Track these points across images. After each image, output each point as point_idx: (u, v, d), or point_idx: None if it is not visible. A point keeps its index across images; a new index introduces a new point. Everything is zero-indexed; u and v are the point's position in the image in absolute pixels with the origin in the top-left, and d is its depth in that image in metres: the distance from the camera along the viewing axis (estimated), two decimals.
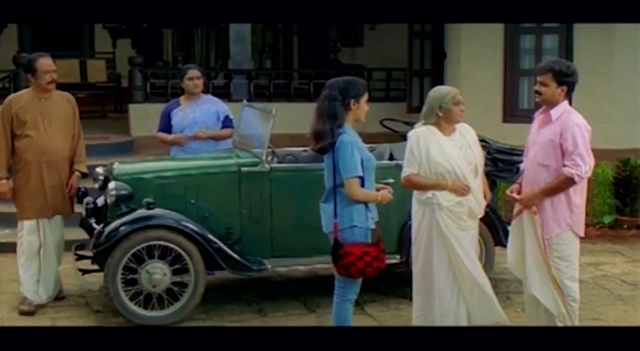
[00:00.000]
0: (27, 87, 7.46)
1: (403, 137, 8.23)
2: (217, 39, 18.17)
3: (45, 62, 7.17)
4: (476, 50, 11.10)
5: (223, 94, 12.39)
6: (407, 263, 7.39)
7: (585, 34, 10.56)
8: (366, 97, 5.81)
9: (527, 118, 10.50)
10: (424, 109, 6.17)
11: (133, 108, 12.11)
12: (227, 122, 8.29)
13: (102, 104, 15.54)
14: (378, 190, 5.86)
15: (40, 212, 7.24)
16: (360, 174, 5.65)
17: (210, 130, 8.21)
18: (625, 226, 10.16)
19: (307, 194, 7.14)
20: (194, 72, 8.31)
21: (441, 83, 12.21)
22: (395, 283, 7.94)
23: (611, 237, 10.11)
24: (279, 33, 18.83)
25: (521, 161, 7.61)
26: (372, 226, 5.79)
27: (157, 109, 11.83)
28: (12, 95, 7.41)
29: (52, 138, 7.19)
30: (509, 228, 6.38)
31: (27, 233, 7.23)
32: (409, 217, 7.05)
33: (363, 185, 5.71)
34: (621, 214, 10.29)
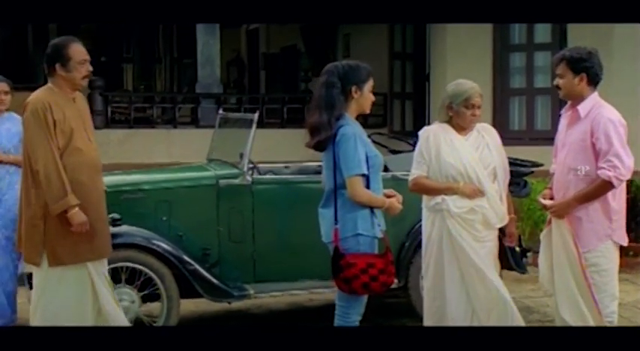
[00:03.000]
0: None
1: (392, 152, 7.65)
2: (180, 70, 17.60)
3: (80, 49, 5.45)
4: (462, 70, 10.44)
5: (192, 120, 11.77)
6: (406, 289, 6.89)
7: None
8: (370, 84, 5.14)
9: (518, 140, 10.19)
10: (439, 104, 5.63)
11: None
12: None
13: None
14: (387, 197, 5.16)
15: (105, 249, 5.60)
16: (365, 172, 4.96)
17: (11, 155, 6.87)
18: (631, 252, 9.47)
19: (294, 210, 6.67)
20: (1, 85, 6.98)
21: (424, 107, 11.72)
22: (393, 313, 7.33)
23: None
24: (245, 68, 18.32)
25: (528, 173, 7.24)
26: (379, 235, 5.07)
27: (119, 135, 11.49)
28: (40, 95, 5.45)
29: (96, 151, 5.58)
30: (542, 234, 5.64)
31: (82, 286, 5.44)
32: (407, 236, 6.73)
33: (368, 186, 5.01)
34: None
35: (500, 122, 10.68)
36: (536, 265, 6.74)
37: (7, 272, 6.75)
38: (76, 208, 5.27)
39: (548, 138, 10.06)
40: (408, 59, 12.10)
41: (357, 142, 4.95)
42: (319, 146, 5.06)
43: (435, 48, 11.25)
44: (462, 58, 10.62)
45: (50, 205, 5.28)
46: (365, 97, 5.11)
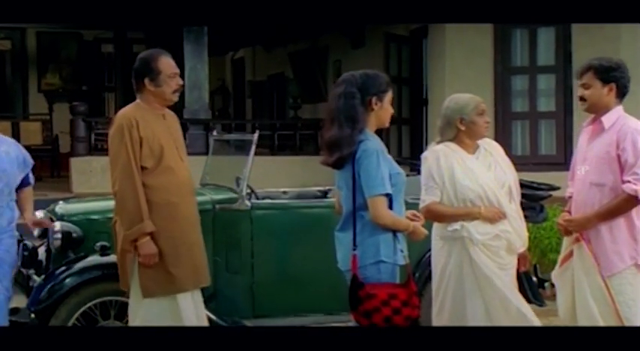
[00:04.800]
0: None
1: None
2: None
3: (169, 62, 5.18)
4: (463, 93, 10.14)
5: None
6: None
7: None
8: (390, 95, 4.72)
9: (521, 165, 9.69)
10: (440, 123, 5.20)
11: (74, 161, 11.21)
12: (28, 178, 6.11)
13: (36, 169, 14.15)
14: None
15: (203, 277, 5.30)
16: (389, 191, 4.54)
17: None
18: None
19: (297, 238, 6.30)
20: None
21: (421, 132, 11.36)
22: None
23: None
24: (230, 97, 17.96)
25: (546, 197, 6.74)
26: (403, 262, 4.64)
27: (103, 163, 11.01)
28: (127, 110, 5.17)
29: (187, 171, 5.27)
30: (553, 275, 5.34)
31: (185, 314, 5.15)
32: (416, 266, 6.26)
33: (390, 207, 4.58)
34: None
35: (502, 147, 10.37)
36: (550, 297, 6.35)
37: None
38: (148, 237, 4.96)
39: (552, 163, 9.91)
40: (404, 84, 11.77)
41: (379, 159, 4.53)
42: (338, 163, 4.62)
43: (432, 71, 10.96)
44: (461, 82, 10.26)
45: (124, 231, 4.98)
46: (385, 110, 4.69)
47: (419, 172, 6.29)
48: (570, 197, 5.22)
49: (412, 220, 4.68)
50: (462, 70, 10.33)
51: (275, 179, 10.17)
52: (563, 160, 9.96)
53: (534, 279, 6.77)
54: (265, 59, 16.93)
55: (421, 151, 11.32)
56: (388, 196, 4.55)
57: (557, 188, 6.75)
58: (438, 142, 5.16)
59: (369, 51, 12.70)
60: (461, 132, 5.06)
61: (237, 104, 17.92)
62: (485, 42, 10.35)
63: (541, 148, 10.33)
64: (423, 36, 11.30)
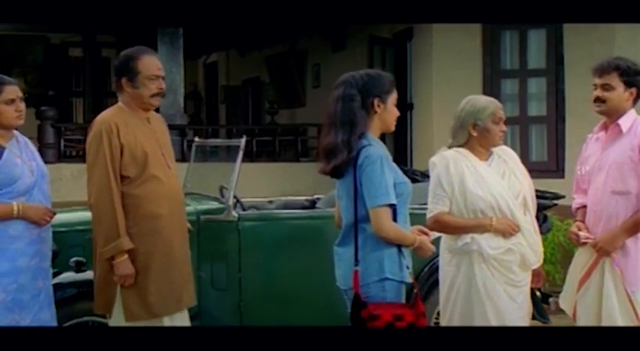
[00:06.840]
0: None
1: None
2: None
3: (152, 63, 4.76)
4: (450, 97, 9.83)
5: None
6: None
7: (577, 75, 9.41)
8: (394, 96, 4.44)
9: None
10: (453, 125, 4.88)
11: None
12: None
13: None
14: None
15: (191, 296, 4.95)
16: (393, 201, 4.26)
17: None
18: None
19: (288, 251, 6.06)
20: (13, 89, 4.84)
21: (405, 138, 11.05)
22: None
23: None
24: (202, 102, 17.61)
25: (551, 206, 6.51)
26: (408, 279, 4.38)
27: (73, 170, 10.73)
28: (108, 114, 4.78)
29: (176, 180, 4.93)
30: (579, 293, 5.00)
31: None
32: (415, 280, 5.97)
33: (394, 220, 4.29)
34: None
35: None
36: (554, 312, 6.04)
37: None
38: (125, 256, 4.57)
39: (544, 170, 9.59)
40: None
41: (384, 166, 4.24)
42: (335, 172, 4.34)
43: (418, 75, 10.63)
44: (448, 85, 9.98)
45: (99, 248, 4.61)
46: (389, 112, 4.40)
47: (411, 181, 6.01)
48: (579, 209, 4.99)
49: (418, 234, 4.42)
50: (449, 73, 10.02)
51: (254, 187, 9.83)
52: (555, 167, 9.71)
53: (538, 293, 6.50)
54: (240, 63, 16.66)
55: (406, 158, 10.98)
56: (392, 206, 4.25)
57: (563, 197, 6.49)
58: (449, 147, 4.87)
59: (350, 54, 12.38)
60: (473, 138, 4.78)
61: (209, 109, 17.66)
62: (473, 44, 10.04)
63: (532, 155, 10.01)
64: (407, 38, 10.98)
